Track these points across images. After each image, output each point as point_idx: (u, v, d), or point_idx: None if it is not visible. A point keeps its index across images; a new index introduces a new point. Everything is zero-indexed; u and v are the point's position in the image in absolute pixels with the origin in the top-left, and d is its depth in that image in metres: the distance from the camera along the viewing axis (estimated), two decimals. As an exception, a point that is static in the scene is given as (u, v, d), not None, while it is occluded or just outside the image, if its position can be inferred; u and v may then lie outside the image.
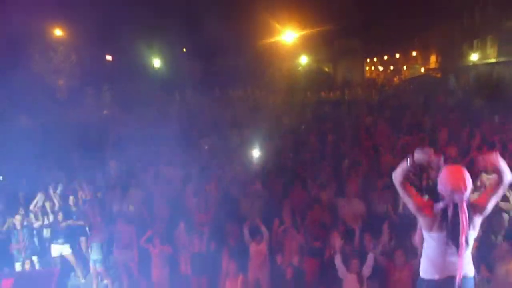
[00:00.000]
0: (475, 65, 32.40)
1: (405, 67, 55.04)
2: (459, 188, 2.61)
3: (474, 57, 32.12)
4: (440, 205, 2.70)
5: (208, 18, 30.66)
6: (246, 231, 6.45)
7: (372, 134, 12.20)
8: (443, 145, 9.64)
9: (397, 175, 2.82)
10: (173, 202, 8.10)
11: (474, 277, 2.82)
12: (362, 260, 5.51)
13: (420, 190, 7.26)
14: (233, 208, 7.63)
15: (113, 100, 23.95)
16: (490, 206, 2.74)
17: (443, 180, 2.68)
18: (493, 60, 29.59)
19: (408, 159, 2.77)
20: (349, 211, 7.03)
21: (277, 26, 34.48)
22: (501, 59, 28.16)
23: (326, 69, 37.72)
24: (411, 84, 31.70)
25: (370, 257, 5.47)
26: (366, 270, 5.43)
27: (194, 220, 7.11)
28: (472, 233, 2.71)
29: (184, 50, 41.53)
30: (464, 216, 2.60)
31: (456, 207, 2.62)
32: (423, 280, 2.85)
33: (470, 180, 2.66)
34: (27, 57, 23.76)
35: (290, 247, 6.40)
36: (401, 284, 5.30)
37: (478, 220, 2.74)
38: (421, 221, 2.78)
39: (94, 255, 7.17)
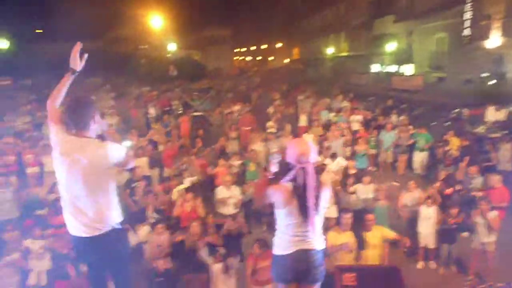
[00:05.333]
0: (330, 58, 35.60)
1: (270, 58, 57.63)
2: (304, 152, 2.73)
3: (329, 50, 35.23)
4: (290, 175, 2.75)
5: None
6: None
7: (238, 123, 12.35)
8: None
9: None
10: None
11: (324, 250, 2.92)
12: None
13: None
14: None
15: None
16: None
17: (291, 149, 2.78)
18: (345, 54, 32.89)
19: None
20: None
21: (144, 11, 32.95)
22: (351, 53, 31.47)
23: (196, 57, 37.42)
24: (276, 74, 33.43)
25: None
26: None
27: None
28: (322, 205, 2.80)
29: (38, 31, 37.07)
30: (311, 178, 2.69)
31: (304, 171, 2.71)
32: (276, 256, 2.88)
33: (314, 148, 2.81)
34: None
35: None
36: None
37: (326, 192, 2.85)
38: (276, 200, 2.78)
39: None
